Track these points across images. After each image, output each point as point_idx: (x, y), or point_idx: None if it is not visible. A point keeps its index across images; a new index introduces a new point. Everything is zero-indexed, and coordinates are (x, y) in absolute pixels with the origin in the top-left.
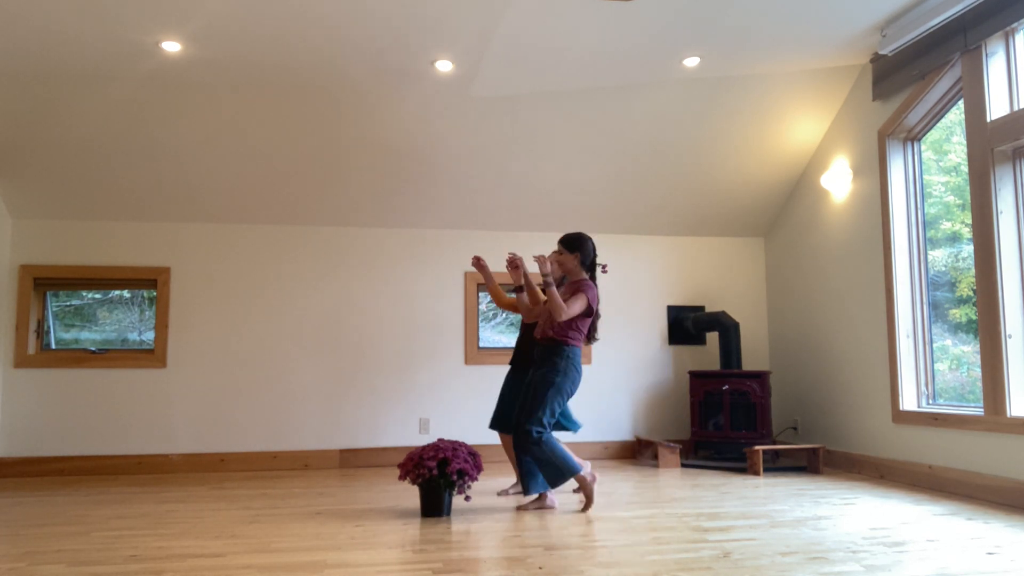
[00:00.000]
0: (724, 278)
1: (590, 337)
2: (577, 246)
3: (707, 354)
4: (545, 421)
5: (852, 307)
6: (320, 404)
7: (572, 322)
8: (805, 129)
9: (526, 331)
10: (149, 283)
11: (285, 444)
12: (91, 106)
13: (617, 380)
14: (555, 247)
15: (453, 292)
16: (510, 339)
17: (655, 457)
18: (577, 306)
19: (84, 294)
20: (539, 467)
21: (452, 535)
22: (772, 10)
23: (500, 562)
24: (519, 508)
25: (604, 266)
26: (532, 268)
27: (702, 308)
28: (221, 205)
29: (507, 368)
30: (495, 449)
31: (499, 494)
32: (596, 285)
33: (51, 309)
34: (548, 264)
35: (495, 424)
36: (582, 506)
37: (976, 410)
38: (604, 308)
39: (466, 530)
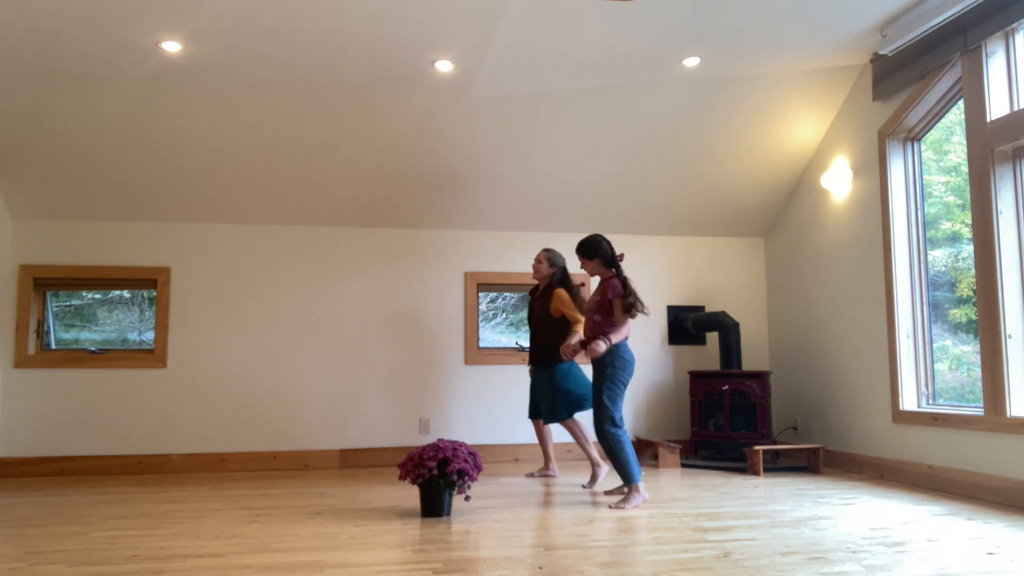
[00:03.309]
0: (724, 278)
1: (638, 312)
2: (594, 251)
3: (707, 354)
4: (615, 415)
5: (852, 307)
6: (320, 404)
7: (607, 321)
8: (805, 129)
9: (532, 330)
10: (149, 283)
11: (285, 444)
12: (91, 106)
13: None
14: (547, 246)
15: (453, 292)
16: (510, 339)
17: (655, 457)
18: (621, 315)
19: (84, 294)
20: (610, 460)
21: (452, 535)
22: (772, 10)
23: (500, 562)
24: (612, 507)
25: (621, 255)
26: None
27: (702, 308)
28: (221, 205)
29: (507, 368)
30: (495, 449)
31: (527, 476)
32: (623, 274)
33: (51, 309)
34: (600, 345)
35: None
36: (617, 501)
37: (976, 410)
38: None
39: (466, 530)
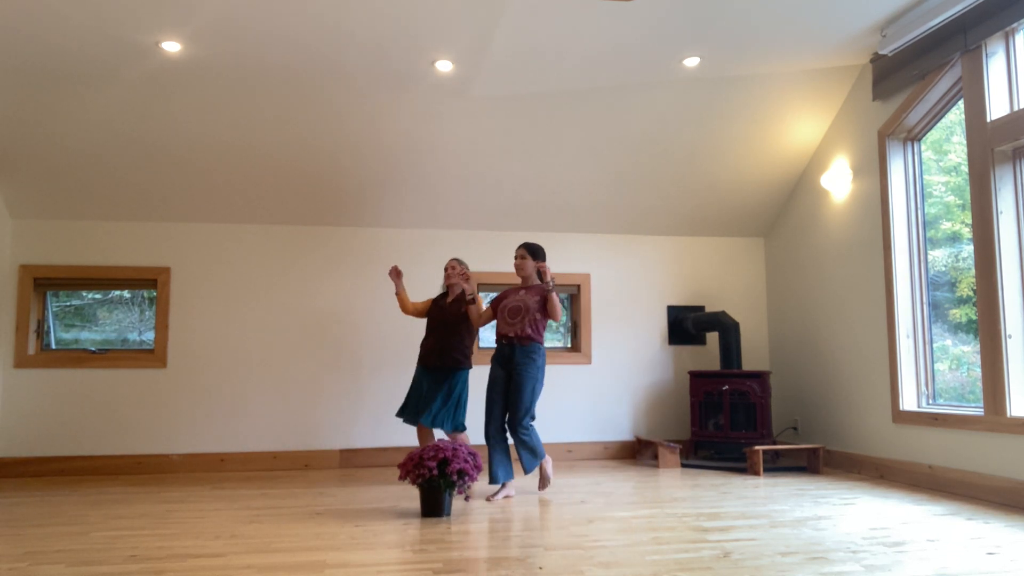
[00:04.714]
0: (724, 278)
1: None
2: (539, 255)
3: (707, 354)
4: (533, 413)
5: (852, 307)
6: (320, 404)
7: (542, 323)
8: (805, 129)
9: (436, 332)
10: (149, 283)
11: (285, 444)
12: (91, 106)
13: (617, 380)
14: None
15: None
16: None
17: (655, 457)
18: (560, 307)
19: (84, 294)
20: (522, 452)
21: (452, 535)
22: (772, 10)
23: (500, 562)
24: (489, 498)
25: (552, 276)
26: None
27: (702, 308)
28: (221, 205)
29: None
30: None
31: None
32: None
33: (51, 309)
34: (549, 274)
35: (411, 418)
36: (541, 486)
37: (976, 410)
38: (604, 308)
39: (466, 530)
